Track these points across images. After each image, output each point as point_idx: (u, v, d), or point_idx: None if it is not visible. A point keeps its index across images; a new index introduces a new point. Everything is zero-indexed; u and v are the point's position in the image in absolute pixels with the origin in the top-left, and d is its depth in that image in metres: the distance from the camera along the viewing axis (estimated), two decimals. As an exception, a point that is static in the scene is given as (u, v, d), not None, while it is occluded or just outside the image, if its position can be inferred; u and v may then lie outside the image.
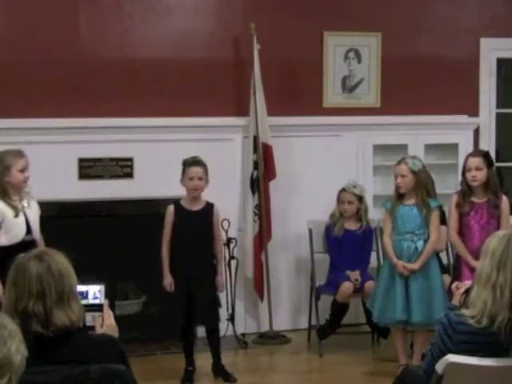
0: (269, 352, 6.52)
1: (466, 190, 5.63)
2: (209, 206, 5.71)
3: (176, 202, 5.71)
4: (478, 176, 5.56)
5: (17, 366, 2.26)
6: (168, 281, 5.61)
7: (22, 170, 5.23)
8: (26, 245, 4.97)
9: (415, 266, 5.62)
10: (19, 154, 5.26)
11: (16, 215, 5.20)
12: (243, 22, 6.61)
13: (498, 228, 5.48)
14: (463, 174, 5.66)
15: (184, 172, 5.64)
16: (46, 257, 2.85)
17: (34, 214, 5.33)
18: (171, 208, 5.69)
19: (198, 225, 5.62)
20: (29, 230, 5.25)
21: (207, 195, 5.74)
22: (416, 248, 5.67)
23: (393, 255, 5.68)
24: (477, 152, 5.83)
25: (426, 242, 5.68)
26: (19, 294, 2.79)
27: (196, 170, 5.61)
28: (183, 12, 6.67)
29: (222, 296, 6.03)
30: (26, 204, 5.28)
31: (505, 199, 5.67)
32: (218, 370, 5.78)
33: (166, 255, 5.64)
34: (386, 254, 5.87)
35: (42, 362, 2.72)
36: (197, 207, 5.68)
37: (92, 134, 6.32)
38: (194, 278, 5.56)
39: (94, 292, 3.09)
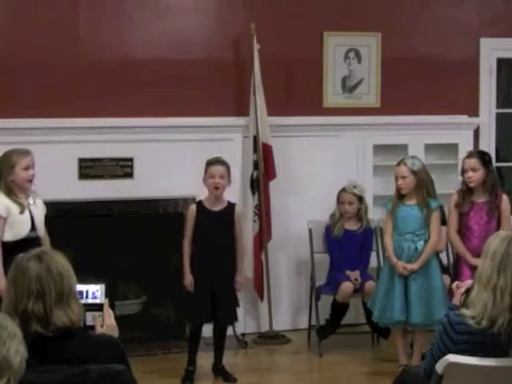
0: (269, 352, 6.52)
1: (466, 190, 5.66)
2: (231, 206, 5.73)
3: (198, 202, 5.74)
4: (474, 177, 5.60)
5: (16, 367, 2.25)
6: (189, 280, 5.63)
7: (27, 168, 5.25)
8: (30, 241, 5.03)
9: (415, 266, 5.62)
10: (24, 152, 5.29)
11: (21, 212, 5.23)
12: (243, 21, 6.61)
13: (498, 228, 5.49)
14: (462, 174, 5.70)
15: (206, 171, 5.66)
16: (46, 257, 2.85)
17: (39, 211, 5.36)
18: (193, 208, 5.70)
19: (220, 225, 5.64)
20: (33, 227, 5.28)
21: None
22: (416, 248, 5.67)
23: (393, 255, 5.68)
24: (472, 153, 5.84)
25: (426, 242, 5.68)
26: (19, 294, 2.79)
27: (217, 169, 5.62)
28: (183, 12, 6.66)
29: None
30: (31, 201, 5.32)
31: (505, 199, 5.68)
32: (218, 369, 5.79)
33: (187, 255, 5.67)
34: (386, 255, 5.87)
35: (41, 361, 2.72)
36: (219, 207, 5.69)
37: (92, 134, 6.31)
38: (217, 277, 5.60)
39: (94, 292, 3.09)
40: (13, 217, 5.20)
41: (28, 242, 4.96)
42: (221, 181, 5.62)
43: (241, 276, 5.79)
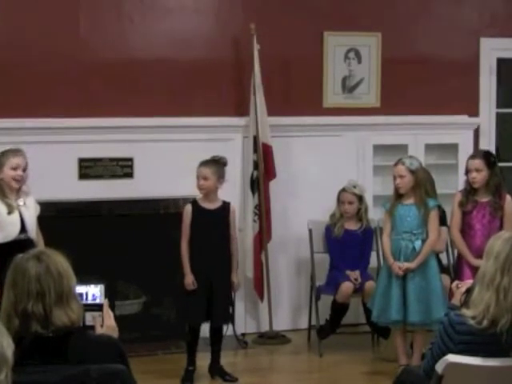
0: (269, 352, 6.51)
1: (470, 190, 5.68)
2: (225, 205, 5.75)
3: (193, 201, 5.74)
4: (478, 177, 5.63)
5: (11, 361, 2.26)
6: (190, 280, 5.63)
7: (15, 168, 5.23)
8: (20, 243, 4.99)
9: (412, 265, 5.61)
10: (14, 152, 5.29)
11: (9, 213, 5.19)
12: (243, 21, 6.61)
13: (500, 228, 5.51)
14: (466, 174, 5.71)
15: None
16: (45, 257, 2.85)
17: (30, 212, 5.32)
18: (189, 207, 5.71)
19: (214, 223, 5.66)
20: (23, 229, 5.24)
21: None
22: (414, 248, 5.66)
23: (389, 255, 5.69)
24: (477, 153, 5.87)
25: (424, 241, 5.68)
26: (18, 295, 2.79)
27: (200, 171, 5.65)
28: (183, 12, 6.67)
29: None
30: (21, 203, 5.29)
31: (508, 199, 5.70)
32: (217, 369, 5.78)
33: (186, 254, 5.67)
34: (383, 254, 5.88)
35: (41, 361, 2.72)
36: (213, 206, 5.71)
37: (92, 134, 6.32)
38: (212, 275, 5.61)
39: (94, 292, 3.09)
40: (1, 218, 5.18)
41: (18, 244, 4.91)
42: (204, 182, 5.63)
43: (236, 276, 5.79)
